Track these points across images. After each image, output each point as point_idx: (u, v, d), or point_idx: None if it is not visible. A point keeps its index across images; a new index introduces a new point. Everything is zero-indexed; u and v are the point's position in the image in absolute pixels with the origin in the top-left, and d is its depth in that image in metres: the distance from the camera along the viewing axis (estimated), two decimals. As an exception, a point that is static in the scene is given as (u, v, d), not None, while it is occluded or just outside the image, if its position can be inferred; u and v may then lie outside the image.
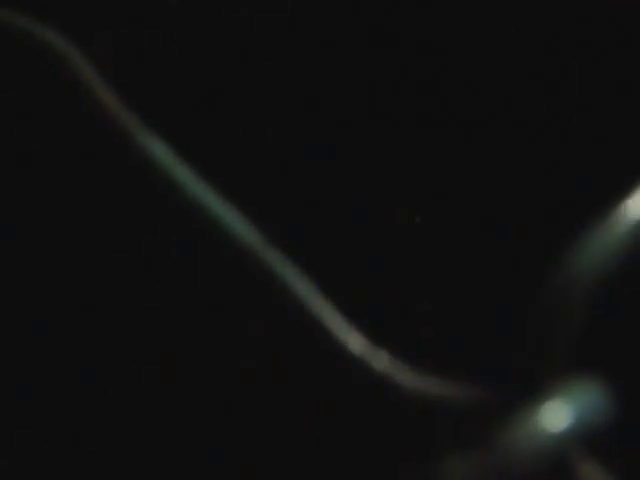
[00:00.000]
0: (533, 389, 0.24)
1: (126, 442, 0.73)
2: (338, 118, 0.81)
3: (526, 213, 0.76)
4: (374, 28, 0.77)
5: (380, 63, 0.77)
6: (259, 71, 0.78)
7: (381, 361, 0.28)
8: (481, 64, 0.77)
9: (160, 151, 0.32)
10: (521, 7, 0.76)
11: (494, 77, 0.79)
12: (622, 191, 0.28)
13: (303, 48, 0.79)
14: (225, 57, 0.79)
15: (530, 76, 0.78)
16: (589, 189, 0.69)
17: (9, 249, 0.73)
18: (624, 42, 0.70)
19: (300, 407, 0.71)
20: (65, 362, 0.72)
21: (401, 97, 0.77)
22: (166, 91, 0.75)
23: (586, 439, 0.24)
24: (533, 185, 0.77)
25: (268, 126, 0.76)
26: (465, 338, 0.74)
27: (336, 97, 0.80)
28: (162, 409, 0.73)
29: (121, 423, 0.71)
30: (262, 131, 0.76)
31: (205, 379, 0.76)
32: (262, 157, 0.77)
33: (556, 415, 0.24)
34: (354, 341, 0.29)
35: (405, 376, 0.27)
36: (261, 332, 0.70)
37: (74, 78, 0.35)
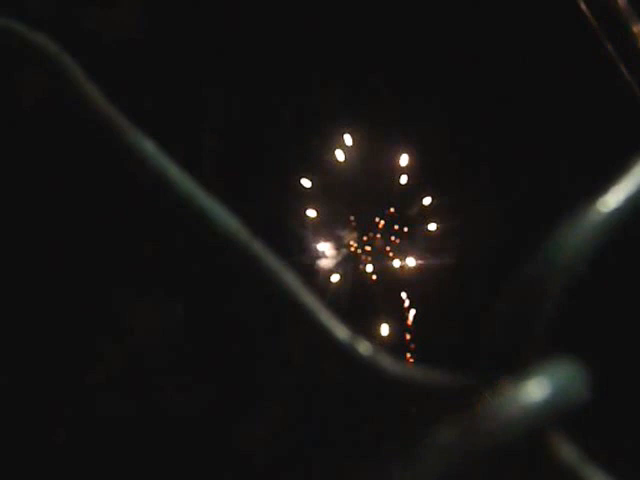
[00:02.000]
0: (513, 369, 0.25)
1: (126, 440, 0.73)
2: (331, 120, 0.81)
3: (507, 205, 0.77)
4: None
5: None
6: (252, 69, 0.78)
7: (366, 348, 0.29)
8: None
9: (150, 149, 0.33)
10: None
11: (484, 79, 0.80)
12: (597, 186, 0.29)
13: (295, 47, 0.80)
14: (217, 57, 0.79)
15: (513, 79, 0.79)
16: (567, 184, 0.70)
17: (7, 242, 0.74)
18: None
19: (290, 393, 0.71)
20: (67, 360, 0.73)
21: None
22: (158, 91, 0.75)
23: (564, 416, 0.25)
24: (516, 181, 0.78)
25: (260, 125, 0.77)
26: (446, 321, 0.74)
27: (328, 96, 0.80)
28: (162, 403, 0.73)
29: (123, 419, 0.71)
30: (253, 130, 0.77)
31: (203, 369, 0.76)
32: (256, 155, 0.77)
33: (535, 393, 0.24)
34: (340, 330, 0.30)
35: (388, 362, 0.27)
36: (251, 321, 0.71)
37: (67, 79, 0.36)
